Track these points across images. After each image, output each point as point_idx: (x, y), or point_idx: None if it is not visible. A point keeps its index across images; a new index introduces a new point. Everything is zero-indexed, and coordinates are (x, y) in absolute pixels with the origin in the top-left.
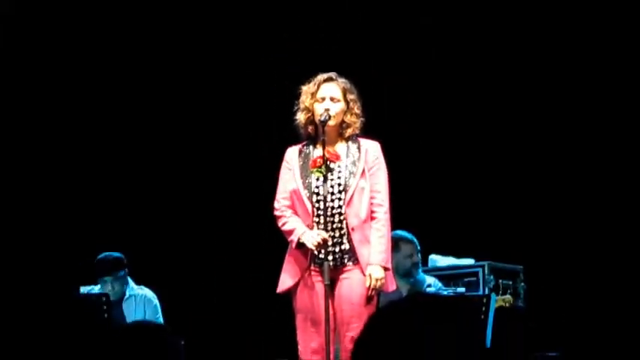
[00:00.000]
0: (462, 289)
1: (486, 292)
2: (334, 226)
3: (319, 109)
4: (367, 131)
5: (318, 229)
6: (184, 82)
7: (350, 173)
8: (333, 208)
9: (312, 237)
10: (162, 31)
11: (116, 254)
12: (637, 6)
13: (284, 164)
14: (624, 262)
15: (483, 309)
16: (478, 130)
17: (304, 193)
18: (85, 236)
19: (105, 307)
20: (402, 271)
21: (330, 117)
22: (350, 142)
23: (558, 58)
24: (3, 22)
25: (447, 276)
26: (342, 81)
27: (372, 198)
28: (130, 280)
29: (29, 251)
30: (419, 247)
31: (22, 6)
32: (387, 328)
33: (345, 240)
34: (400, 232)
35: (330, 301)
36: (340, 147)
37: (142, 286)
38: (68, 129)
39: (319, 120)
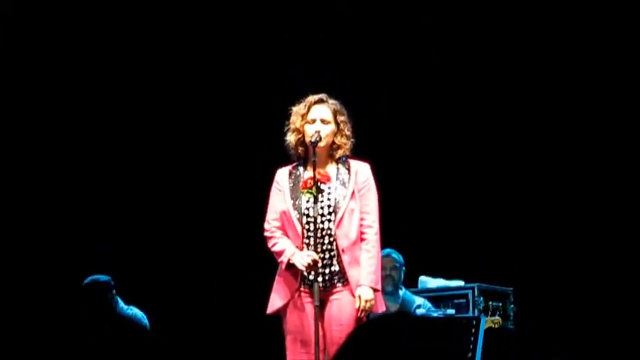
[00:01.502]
0: (451, 311)
1: (476, 313)
2: (324, 247)
3: (310, 131)
4: (363, 143)
5: (308, 250)
6: (182, 84)
7: (340, 194)
8: (323, 229)
9: (302, 258)
10: (161, 31)
11: (103, 278)
12: (637, 6)
13: (274, 185)
14: (613, 283)
15: (473, 331)
16: (468, 150)
17: (294, 215)
18: (76, 256)
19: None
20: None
21: (320, 138)
22: (340, 164)
23: (558, 60)
24: (3, 22)
25: (436, 297)
26: (332, 102)
27: (361, 219)
28: (119, 300)
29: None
30: (398, 264)
31: (22, 6)
32: (375, 340)
33: (334, 261)
34: None
35: (319, 322)
36: (330, 168)
37: (132, 307)
38: (63, 134)
39: (310, 141)
